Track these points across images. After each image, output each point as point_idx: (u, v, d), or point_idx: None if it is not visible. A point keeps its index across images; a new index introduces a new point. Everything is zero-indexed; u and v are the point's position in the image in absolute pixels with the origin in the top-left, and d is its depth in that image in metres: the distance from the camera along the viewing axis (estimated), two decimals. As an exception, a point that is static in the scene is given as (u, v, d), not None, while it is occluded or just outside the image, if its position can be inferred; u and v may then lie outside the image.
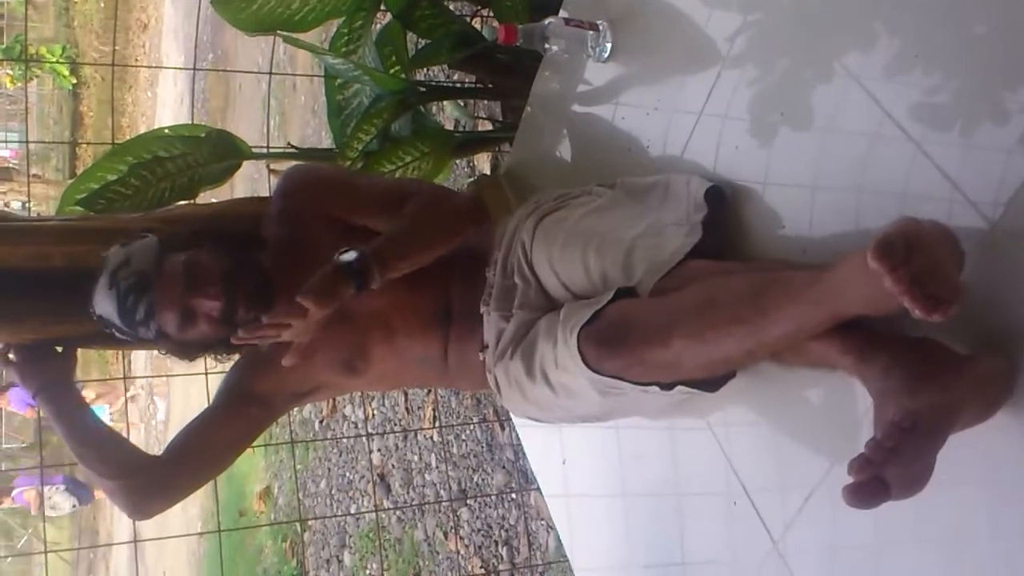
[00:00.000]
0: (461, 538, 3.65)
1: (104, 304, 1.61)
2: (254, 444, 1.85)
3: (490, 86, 2.81)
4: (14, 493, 11.15)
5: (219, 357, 1.75)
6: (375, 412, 4.59)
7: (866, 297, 1.11)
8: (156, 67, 12.19)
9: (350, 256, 1.56)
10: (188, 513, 9.01)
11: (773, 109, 1.51)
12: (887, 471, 1.09)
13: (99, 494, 12.36)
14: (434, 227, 1.72)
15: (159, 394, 11.22)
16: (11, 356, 1.77)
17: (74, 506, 10.96)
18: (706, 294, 1.33)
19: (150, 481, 1.74)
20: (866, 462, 1.10)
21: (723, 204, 1.55)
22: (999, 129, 1.17)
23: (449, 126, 3.54)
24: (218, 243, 1.68)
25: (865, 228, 1.32)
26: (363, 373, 1.78)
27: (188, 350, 1.70)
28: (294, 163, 2.27)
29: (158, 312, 1.59)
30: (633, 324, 1.37)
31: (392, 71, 2.42)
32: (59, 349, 1.79)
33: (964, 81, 1.23)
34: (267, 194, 1.95)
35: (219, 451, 1.79)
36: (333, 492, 5.14)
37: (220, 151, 2.35)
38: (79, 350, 1.83)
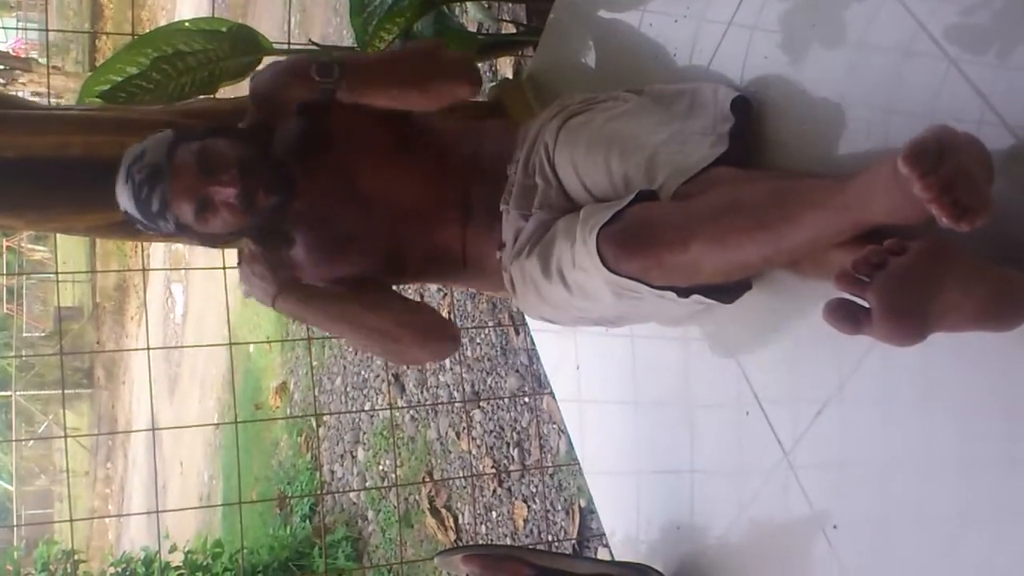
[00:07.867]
0: (473, 439, 3.71)
1: (123, 198, 1.61)
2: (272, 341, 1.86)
3: (515, -12, 2.76)
4: None
5: (252, 243, 1.74)
6: (391, 313, 4.61)
7: (892, 204, 1.10)
8: (175, -41, 11.97)
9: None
10: (205, 405, 9.18)
11: (805, 20, 1.48)
12: (870, 292, 1.07)
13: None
14: (416, 64, 1.72)
15: (176, 280, 11.26)
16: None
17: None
18: (729, 198, 1.32)
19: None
20: (845, 272, 1.08)
21: (750, 114, 1.53)
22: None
23: (472, 28, 3.48)
24: (234, 133, 1.67)
25: (893, 143, 1.30)
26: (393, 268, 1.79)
27: (214, 239, 1.70)
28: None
29: (172, 202, 1.58)
30: (653, 225, 1.36)
31: (417, -32, 2.38)
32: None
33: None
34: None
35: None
36: (348, 390, 5.21)
37: (241, 46, 2.32)
38: (102, 241, 1.85)
